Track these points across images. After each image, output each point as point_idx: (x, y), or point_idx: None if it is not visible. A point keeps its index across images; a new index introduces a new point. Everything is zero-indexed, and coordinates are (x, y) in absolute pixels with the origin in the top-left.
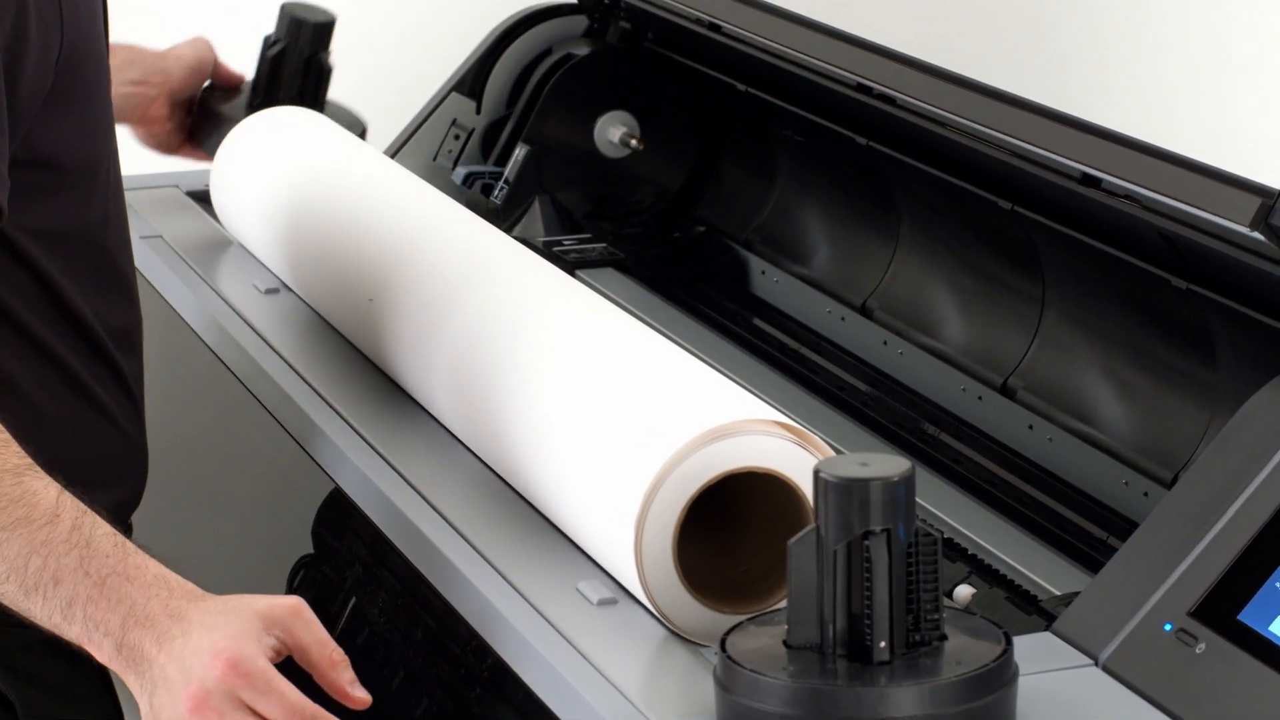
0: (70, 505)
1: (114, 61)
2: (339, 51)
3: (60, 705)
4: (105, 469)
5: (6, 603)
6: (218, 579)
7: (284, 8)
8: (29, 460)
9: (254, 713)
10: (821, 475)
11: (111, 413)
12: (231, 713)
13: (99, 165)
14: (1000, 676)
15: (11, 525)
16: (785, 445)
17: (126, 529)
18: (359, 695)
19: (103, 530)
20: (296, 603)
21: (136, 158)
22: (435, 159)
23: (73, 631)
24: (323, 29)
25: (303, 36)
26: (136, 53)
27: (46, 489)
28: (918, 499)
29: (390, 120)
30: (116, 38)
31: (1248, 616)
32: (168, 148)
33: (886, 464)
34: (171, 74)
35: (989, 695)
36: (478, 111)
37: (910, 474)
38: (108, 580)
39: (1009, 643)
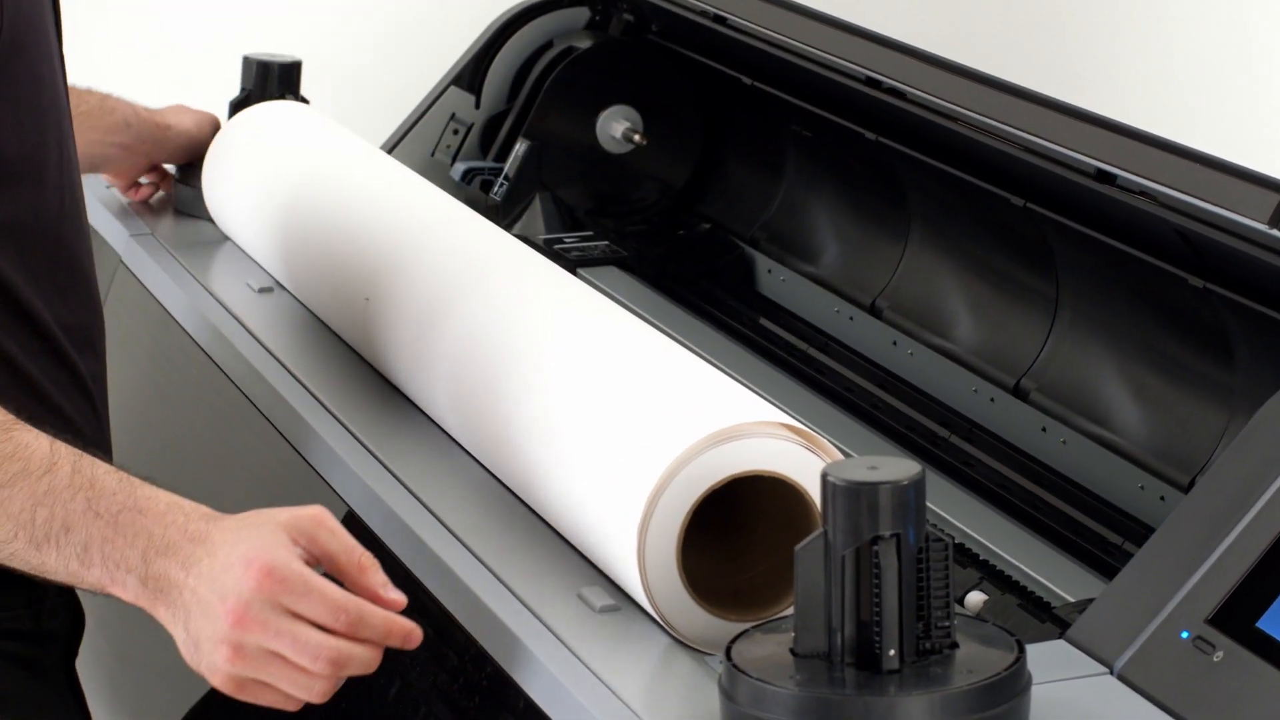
0: (65, 451)
1: (110, 119)
2: (336, 46)
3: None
4: None
5: (18, 563)
6: None
7: (246, 59)
8: (12, 416)
9: (297, 617)
10: (829, 479)
11: (68, 415)
12: (275, 620)
13: (46, 155)
14: (1013, 685)
15: (10, 480)
16: (792, 448)
17: None
18: (393, 597)
19: (104, 469)
20: (319, 511)
21: None
22: (433, 154)
23: (92, 576)
24: (289, 69)
25: (270, 81)
26: (135, 114)
27: (38, 439)
28: (928, 503)
29: (387, 115)
30: (126, 88)
31: (1267, 624)
32: (132, 197)
33: (896, 467)
34: (165, 147)
35: (1001, 705)
36: (477, 106)
37: (920, 477)
38: (120, 517)
39: (1021, 651)
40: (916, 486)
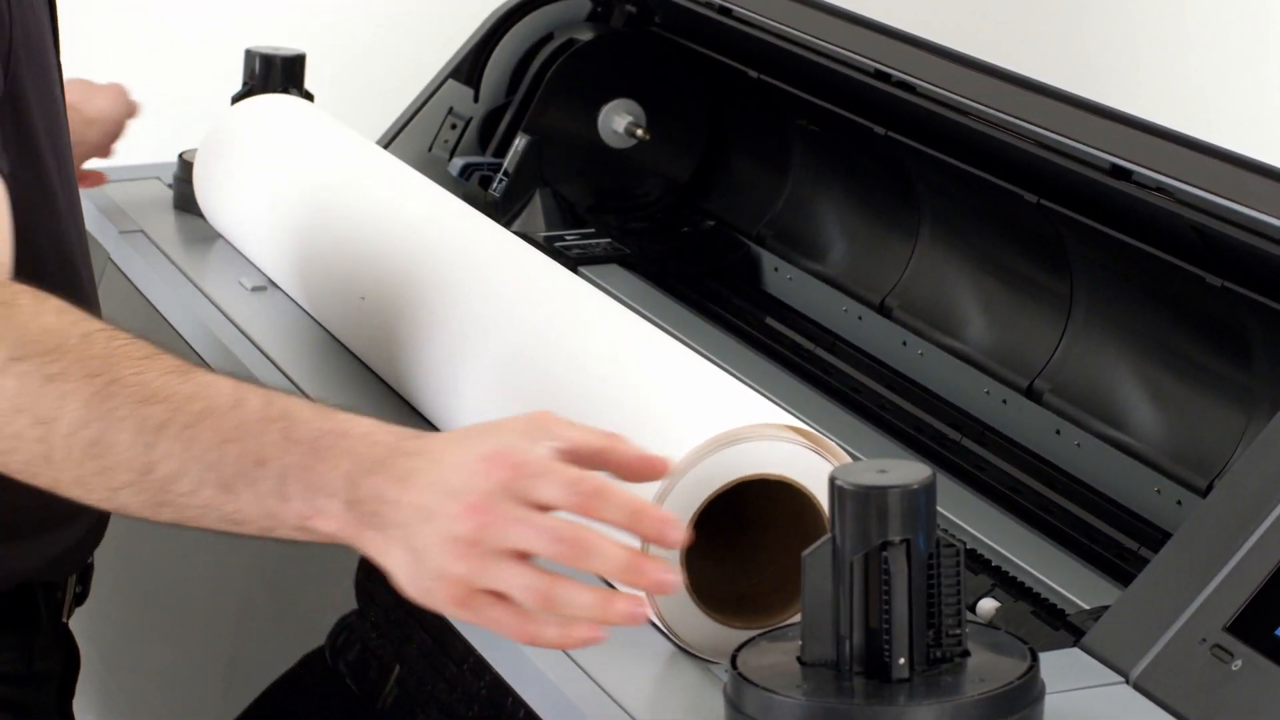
0: (253, 388)
1: None
2: (330, 38)
3: None
4: (52, 509)
5: (211, 518)
6: (200, 593)
7: (248, 52)
8: (186, 361)
9: (543, 508)
10: (838, 483)
11: None
12: (514, 508)
13: (46, 165)
14: (1025, 695)
15: (195, 420)
16: (799, 451)
17: (87, 569)
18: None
19: (297, 400)
20: (545, 412)
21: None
22: (431, 150)
23: (291, 510)
24: (292, 63)
25: (273, 74)
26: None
27: (220, 379)
28: (939, 508)
29: (383, 109)
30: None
31: None
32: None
33: (906, 470)
34: (86, 138)
35: (1014, 714)
36: (475, 100)
37: (931, 481)
38: (319, 441)
39: (1035, 659)
40: (927, 490)
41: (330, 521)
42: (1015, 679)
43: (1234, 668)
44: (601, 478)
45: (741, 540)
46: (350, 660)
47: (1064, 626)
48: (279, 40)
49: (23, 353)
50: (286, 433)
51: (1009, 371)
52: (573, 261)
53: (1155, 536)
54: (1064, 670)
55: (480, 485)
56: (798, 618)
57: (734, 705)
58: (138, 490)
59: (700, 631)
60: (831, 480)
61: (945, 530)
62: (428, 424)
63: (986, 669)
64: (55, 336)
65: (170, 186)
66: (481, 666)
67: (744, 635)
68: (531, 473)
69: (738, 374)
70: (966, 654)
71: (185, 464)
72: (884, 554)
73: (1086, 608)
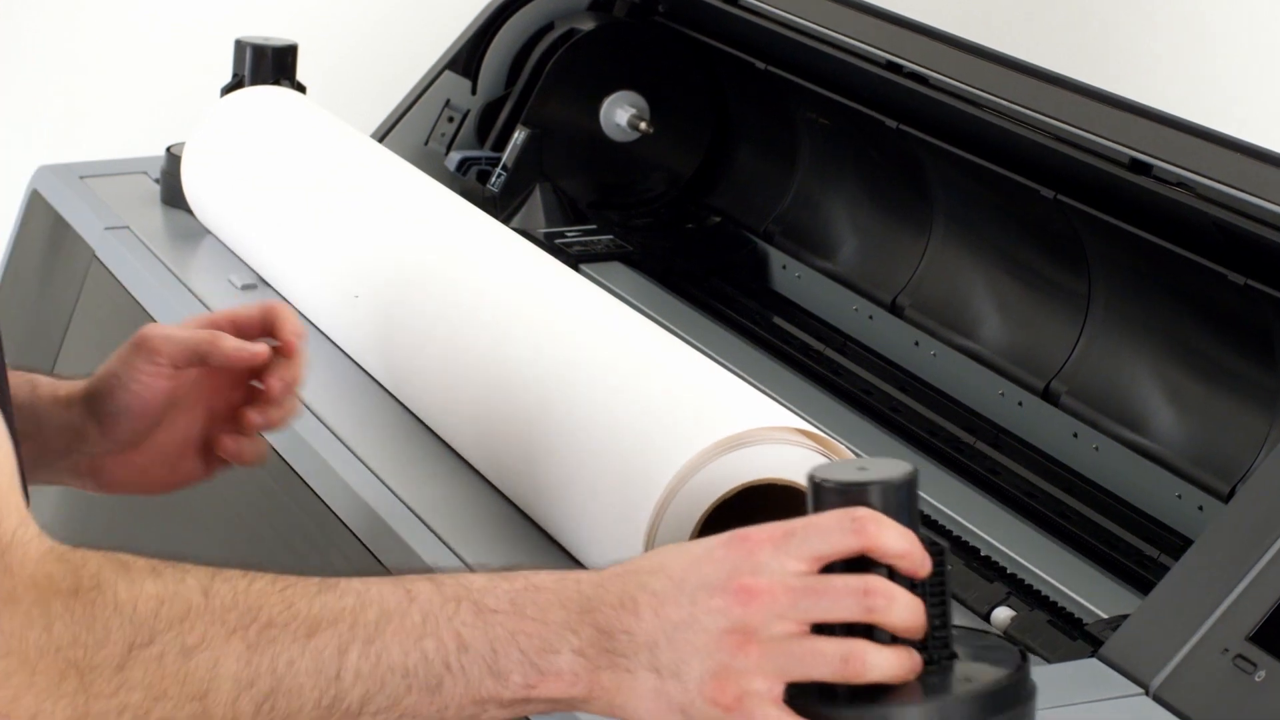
0: (411, 576)
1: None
2: (323, 28)
3: None
4: None
5: None
6: None
7: (238, 42)
8: (320, 578)
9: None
10: (816, 479)
11: None
12: (793, 580)
13: None
14: (1014, 694)
15: (376, 632)
16: (808, 455)
17: None
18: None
19: (468, 575)
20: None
21: (102, 141)
22: (427, 143)
23: (512, 685)
24: (284, 53)
25: (263, 65)
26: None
27: (372, 581)
28: (953, 513)
29: (378, 101)
30: None
31: None
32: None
33: (886, 467)
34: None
35: (1001, 713)
36: (473, 92)
37: (912, 477)
38: (518, 599)
39: (1025, 660)
40: (909, 487)
41: (559, 681)
42: (1003, 680)
43: (1257, 679)
44: (880, 583)
45: None
46: None
47: (1081, 636)
48: (270, 30)
49: (141, 636)
50: (478, 607)
51: (1025, 373)
52: (574, 259)
53: (1176, 543)
54: (1081, 681)
55: (740, 564)
56: None
57: None
58: None
59: None
60: (810, 477)
61: (928, 532)
62: (420, 426)
63: (974, 672)
64: (171, 604)
65: (157, 181)
66: None
67: None
68: (808, 592)
69: (744, 375)
70: (953, 656)
71: (379, 682)
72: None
73: (1104, 617)
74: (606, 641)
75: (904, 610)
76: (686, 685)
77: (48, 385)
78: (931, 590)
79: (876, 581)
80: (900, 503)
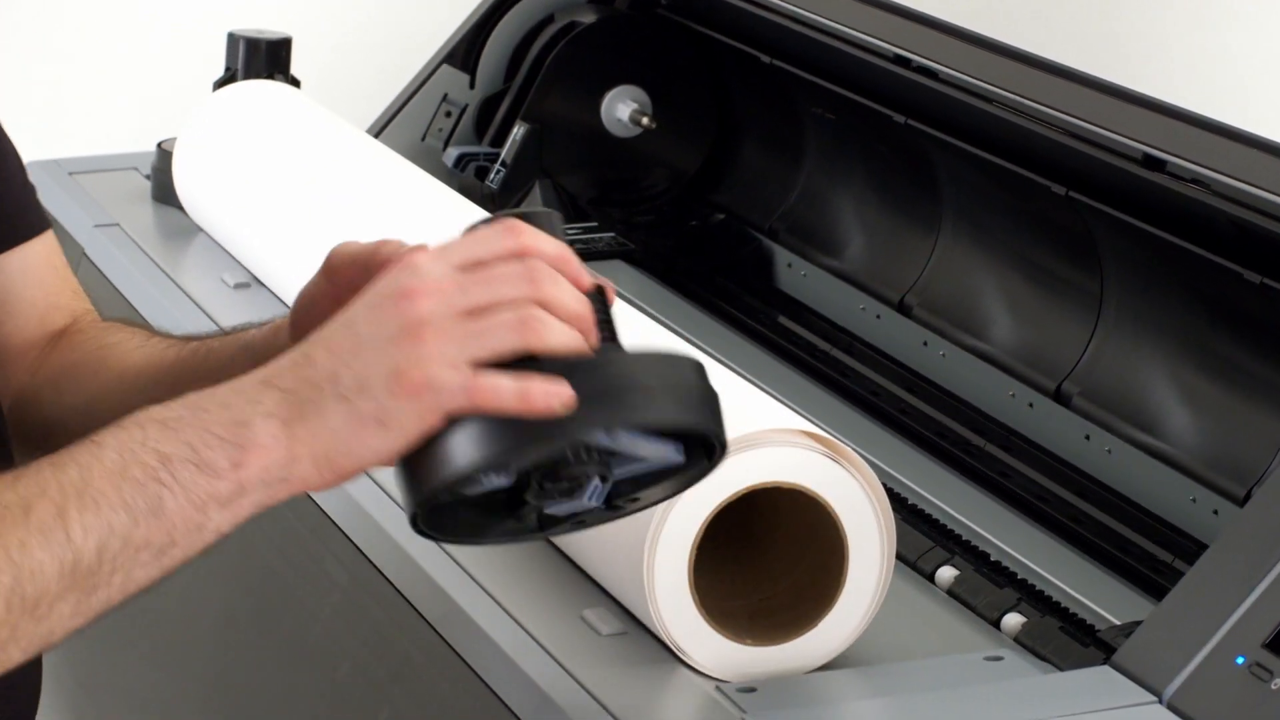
0: (95, 433)
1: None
2: (319, 21)
3: None
4: None
5: (151, 565)
6: (181, 606)
7: (231, 35)
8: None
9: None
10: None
11: None
12: (451, 272)
13: None
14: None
15: (82, 480)
16: (814, 458)
17: None
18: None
19: (147, 406)
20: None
21: (92, 136)
22: (424, 139)
23: (222, 467)
24: (277, 47)
25: (257, 59)
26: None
27: (60, 453)
28: (962, 517)
29: (374, 96)
30: None
31: None
32: None
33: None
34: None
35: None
36: (471, 86)
37: (557, 215)
38: (195, 402)
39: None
40: (553, 218)
41: (262, 453)
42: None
43: (1273, 686)
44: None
45: (753, 553)
46: (336, 679)
47: (1094, 643)
48: (263, 23)
49: None
50: (163, 422)
51: (1036, 373)
52: None
53: (1190, 548)
54: (1094, 689)
55: (400, 276)
56: (811, 633)
57: None
58: (76, 599)
59: (709, 650)
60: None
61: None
62: None
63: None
64: None
65: (148, 177)
66: (477, 686)
67: (755, 654)
68: (460, 248)
69: (749, 376)
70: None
71: (106, 526)
72: None
73: (1117, 623)
74: (291, 397)
75: (567, 291)
76: (375, 393)
77: (256, 332)
78: (594, 302)
79: (536, 263)
80: (550, 229)
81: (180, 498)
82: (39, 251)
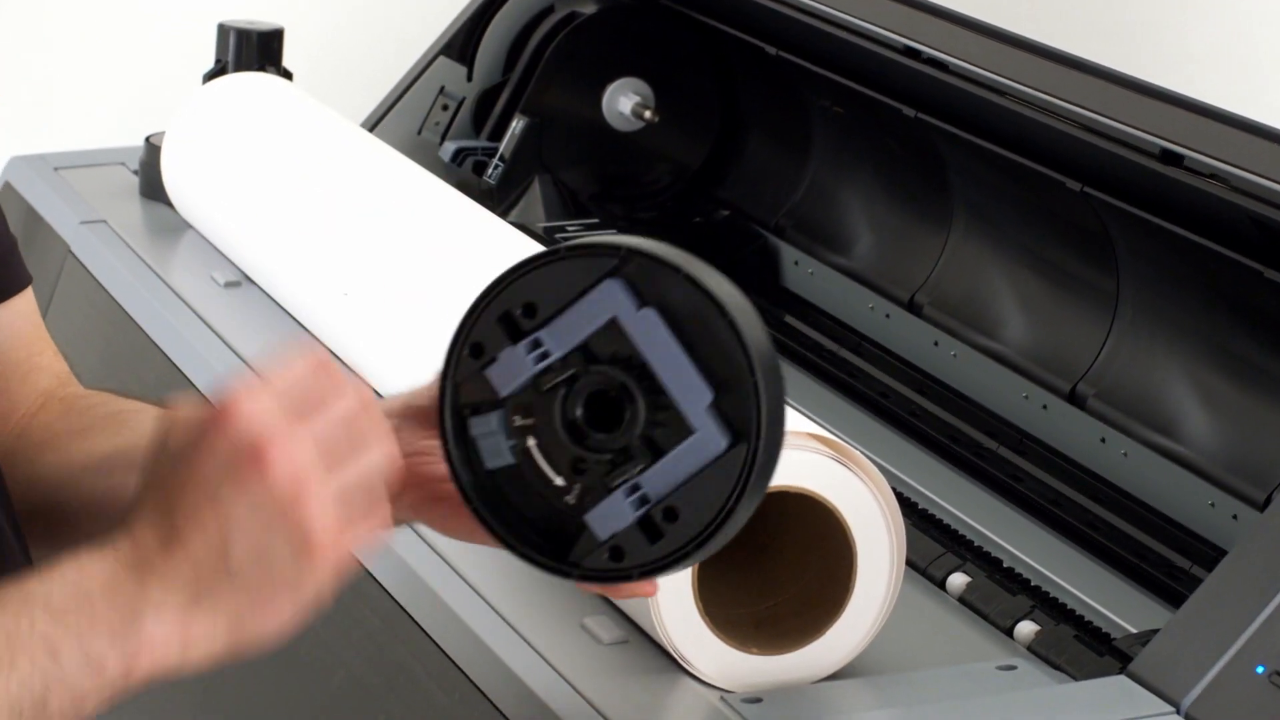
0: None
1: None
2: (312, 11)
3: None
4: None
5: None
6: None
7: (221, 26)
8: None
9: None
10: None
11: None
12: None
13: None
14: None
15: None
16: (821, 461)
17: None
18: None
19: (25, 580)
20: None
21: (78, 130)
22: (420, 133)
23: (111, 666)
24: (269, 38)
25: (247, 50)
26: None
27: None
28: (974, 522)
29: (369, 88)
30: None
31: None
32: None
33: None
34: None
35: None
36: (469, 78)
37: None
38: (79, 588)
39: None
40: None
41: (157, 646)
42: None
43: None
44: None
45: (758, 559)
46: (331, 688)
47: (1110, 652)
48: (255, 14)
49: None
50: (49, 608)
51: (1050, 374)
52: None
53: (1208, 554)
54: (1110, 699)
55: (235, 439)
56: (818, 642)
57: None
58: None
59: (713, 659)
60: None
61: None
62: None
63: None
64: None
65: (136, 173)
66: (475, 696)
67: (760, 663)
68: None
69: None
70: None
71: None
72: None
73: (1134, 631)
74: (176, 583)
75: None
76: (280, 562)
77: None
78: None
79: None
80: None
81: (67, 693)
82: (21, 310)
